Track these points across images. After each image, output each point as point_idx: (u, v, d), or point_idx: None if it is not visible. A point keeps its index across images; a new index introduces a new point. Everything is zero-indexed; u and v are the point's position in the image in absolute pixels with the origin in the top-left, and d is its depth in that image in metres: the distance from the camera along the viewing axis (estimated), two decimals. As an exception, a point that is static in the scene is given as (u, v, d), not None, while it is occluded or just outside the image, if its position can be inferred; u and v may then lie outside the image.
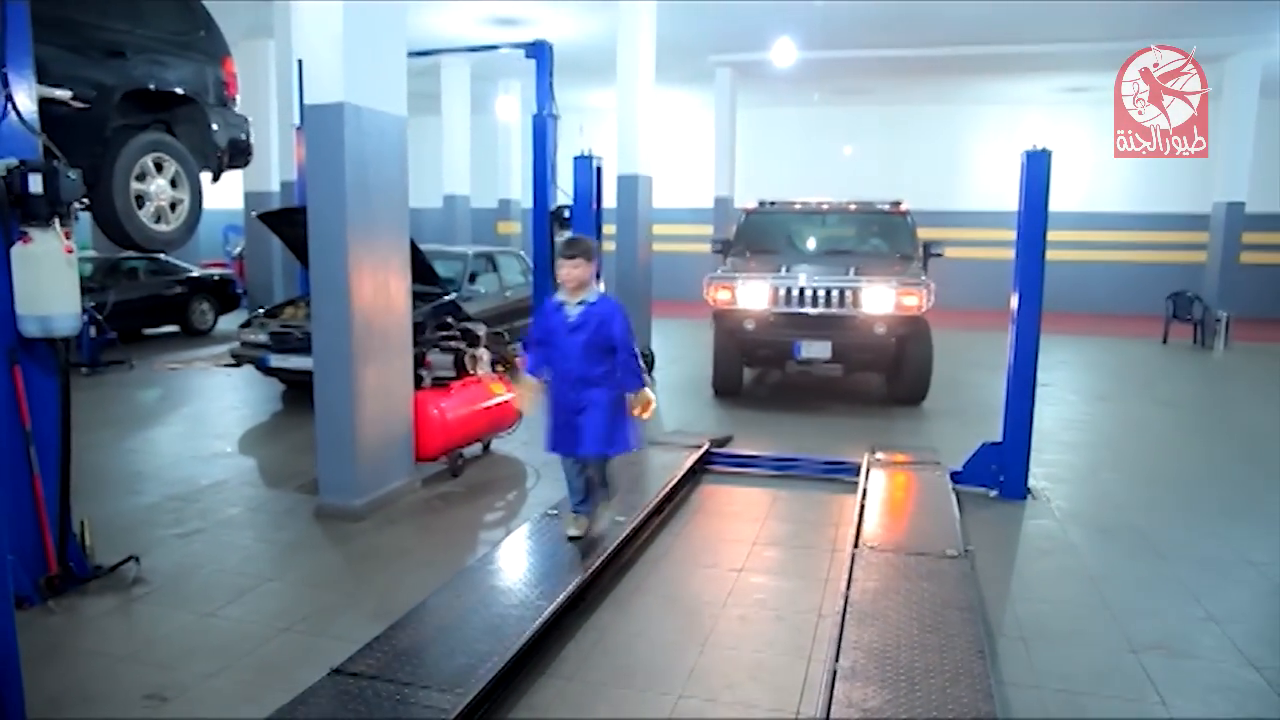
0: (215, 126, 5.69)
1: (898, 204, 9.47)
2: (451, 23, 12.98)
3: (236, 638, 3.61)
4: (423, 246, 7.50)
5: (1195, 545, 4.87)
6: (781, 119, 19.93)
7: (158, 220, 5.31)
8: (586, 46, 13.67)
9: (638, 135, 10.34)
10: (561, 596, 3.67)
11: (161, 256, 12.37)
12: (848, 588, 3.81)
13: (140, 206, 5.19)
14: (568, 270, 4.17)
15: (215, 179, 5.94)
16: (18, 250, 3.70)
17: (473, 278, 9.44)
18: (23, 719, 2.61)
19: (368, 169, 4.99)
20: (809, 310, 8.01)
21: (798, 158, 19.70)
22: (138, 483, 5.78)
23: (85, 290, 4.29)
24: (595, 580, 4.03)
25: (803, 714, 3.09)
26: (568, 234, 8.47)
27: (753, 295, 8.20)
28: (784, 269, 8.33)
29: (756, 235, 9.46)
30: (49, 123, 3.91)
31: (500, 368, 6.78)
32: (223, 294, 13.84)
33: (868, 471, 5.65)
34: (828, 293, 7.96)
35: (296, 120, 9.92)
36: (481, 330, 6.87)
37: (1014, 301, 5.45)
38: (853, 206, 9.61)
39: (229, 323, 12.98)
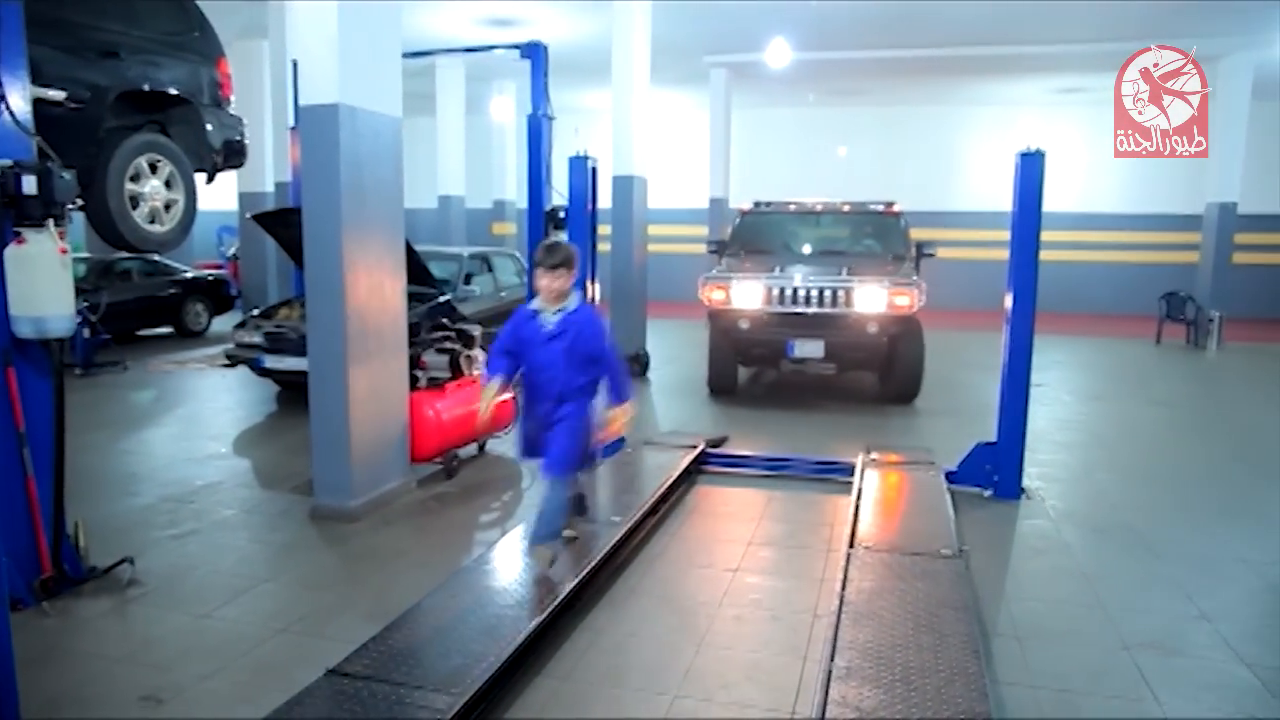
0: (210, 127, 5.68)
1: (891, 205, 9.58)
2: (446, 23, 12.98)
3: (232, 639, 3.60)
4: (418, 247, 7.49)
5: (1189, 544, 4.89)
6: (776, 120, 19.97)
7: (152, 221, 5.30)
8: (581, 47, 13.68)
9: (633, 136, 10.35)
10: (557, 597, 3.67)
11: (156, 257, 12.34)
12: (843, 588, 3.81)
13: (134, 207, 5.18)
14: (548, 281, 3.90)
15: (210, 180, 5.93)
16: (11, 251, 3.69)
17: (468, 279, 9.43)
18: (18, 721, 2.60)
19: (363, 170, 4.99)
20: (802, 310, 8.11)
21: (792, 158, 19.75)
22: (132, 484, 5.77)
23: (79, 291, 4.28)
24: (590, 581, 4.03)
25: (798, 714, 3.09)
26: (556, 237, 8.51)
27: (747, 295, 8.29)
28: (778, 269, 8.42)
29: (751, 236, 9.55)
30: (43, 123, 3.90)
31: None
32: (217, 295, 13.81)
33: (863, 471, 5.66)
34: (821, 292, 8.05)
35: (291, 121, 9.92)
36: (476, 331, 6.86)
37: (1008, 302, 5.47)
38: (846, 207, 9.74)
39: (223, 324, 12.98)
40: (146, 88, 5.20)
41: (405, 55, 5.56)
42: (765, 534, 4.97)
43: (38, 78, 3.97)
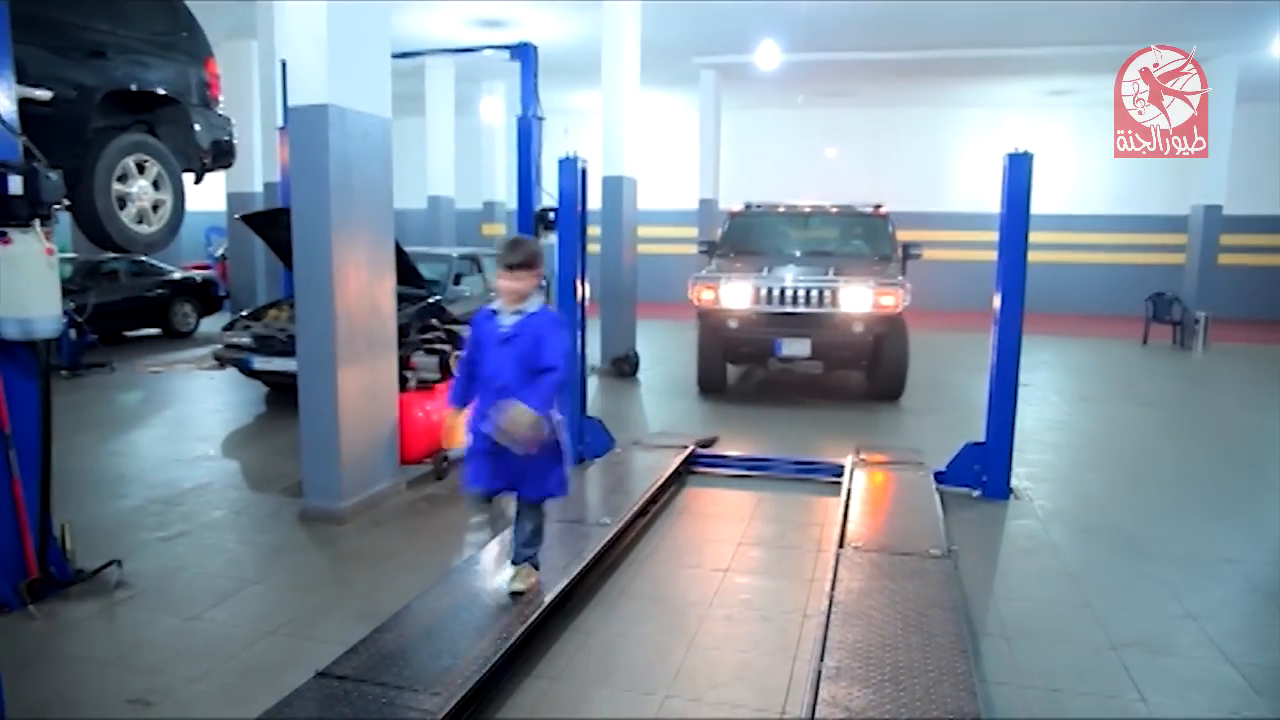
0: (198, 127, 5.65)
1: (878, 207, 9.79)
2: (436, 24, 12.95)
3: (221, 641, 3.59)
4: (407, 248, 7.48)
5: (1175, 544, 4.92)
6: (766, 121, 20.00)
7: (139, 222, 5.27)
8: (571, 48, 13.67)
9: (622, 137, 10.36)
10: (547, 598, 3.67)
11: (143, 258, 12.27)
12: (832, 588, 3.83)
13: (122, 208, 5.15)
14: (508, 282, 3.52)
15: (198, 180, 5.90)
16: (-2, 252, 3.67)
17: (457, 279, 9.42)
18: (4, 725, 2.58)
19: (352, 170, 4.97)
20: (790, 309, 8.25)
21: (782, 160, 19.78)
22: (120, 486, 5.74)
23: (65, 292, 4.25)
24: (581, 582, 4.03)
25: (788, 714, 3.10)
26: (551, 236, 8.50)
27: (735, 295, 8.42)
28: (766, 269, 8.56)
29: (741, 237, 9.73)
30: (29, 123, 3.88)
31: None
32: (205, 296, 13.75)
33: (852, 472, 5.67)
34: (808, 292, 8.20)
35: (279, 121, 9.87)
36: (467, 332, 6.84)
37: (996, 302, 5.50)
38: (834, 209, 9.95)
39: (211, 325, 12.90)
40: (134, 88, 5.17)
41: (395, 56, 5.55)
42: (755, 534, 4.98)
43: (24, 77, 3.94)
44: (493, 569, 4.10)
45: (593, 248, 6.85)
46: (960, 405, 8.58)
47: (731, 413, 8.46)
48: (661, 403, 8.97)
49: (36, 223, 3.74)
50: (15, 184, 3.63)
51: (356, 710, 2.81)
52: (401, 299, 5.96)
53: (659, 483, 5.44)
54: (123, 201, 5.15)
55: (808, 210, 9.97)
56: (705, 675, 3.37)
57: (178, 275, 13.44)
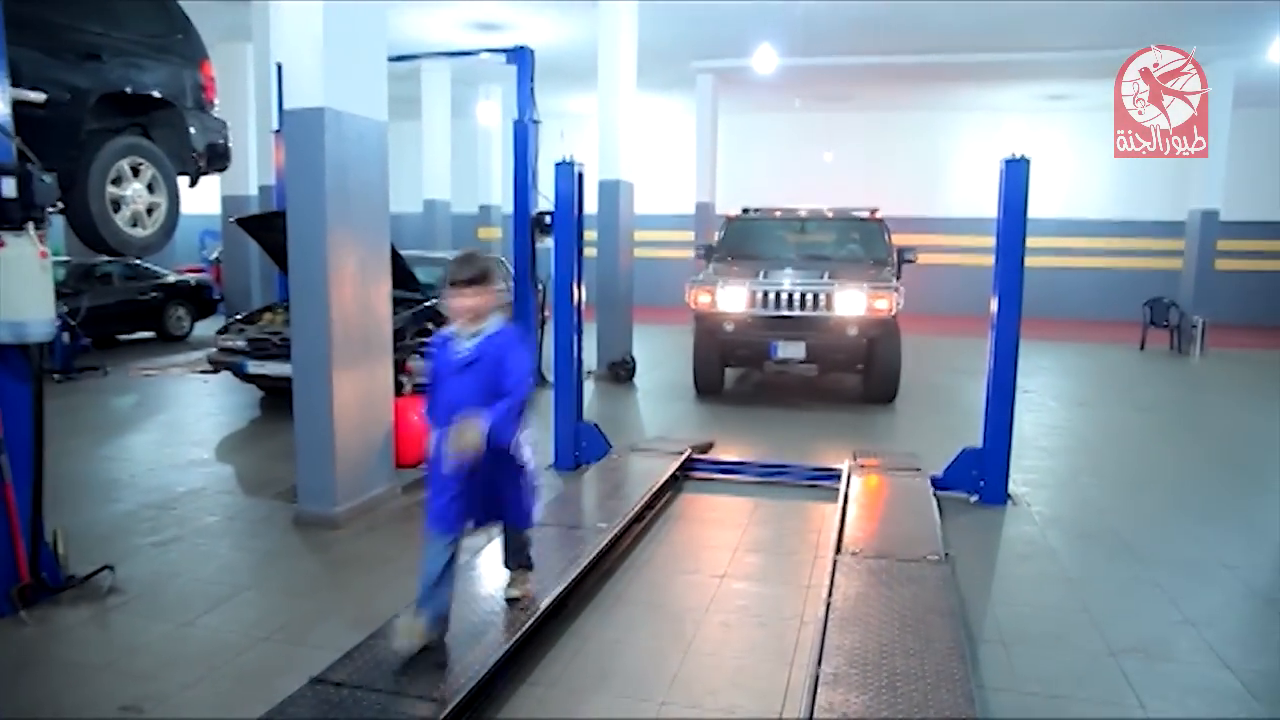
0: (193, 130, 5.63)
1: (874, 211, 9.90)
2: (432, 27, 12.95)
3: (214, 647, 3.56)
4: (403, 252, 7.46)
5: (1173, 549, 4.92)
6: (763, 125, 20.03)
7: (134, 225, 5.24)
8: (568, 52, 13.68)
9: (619, 141, 10.35)
10: (543, 604, 3.65)
11: (137, 261, 12.24)
12: (830, 593, 3.81)
13: (116, 211, 5.13)
14: (460, 301, 3.23)
15: (193, 183, 5.88)
16: (-10, 255, 3.65)
17: (453, 283, 9.38)
18: (-6, 732, 2.56)
19: (348, 174, 4.96)
20: (785, 312, 8.35)
21: (779, 164, 19.81)
22: (113, 491, 5.71)
23: (59, 295, 4.22)
24: (577, 587, 4.01)
25: (785, 720, 3.08)
26: (547, 240, 8.49)
27: (732, 298, 8.52)
28: (762, 273, 8.65)
29: (738, 241, 9.84)
30: (23, 125, 3.86)
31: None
32: (199, 299, 13.71)
33: (849, 477, 5.66)
34: (802, 296, 8.31)
35: (275, 124, 9.86)
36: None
37: (994, 307, 5.49)
38: (830, 214, 10.08)
39: (205, 328, 12.86)
40: (129, 90, 5.15)
41: (390, 59, 5.54)
42: (752, 540, 4.96)
43: (18, 79, 3.93)
44: (488, 574, 4.08)
45: (589, 252, 6.84)
46: (957, 410, 8.59)
47: (728, 415, 8.48)
48: (658, 407, 8.96)
49: (30, 226, 3.72)
50: (9, 186, 3.61)
51: (351, 716, 2.79)
52: (397, 303, 5.93)
53: (655, 488, 5.42)
54: (117, 204, 5.13)
55: (804, 215, 10.10)
56: (702, 681, 3.35)
57: (172, 278, 13.40)
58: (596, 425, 6.48)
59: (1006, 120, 19.04)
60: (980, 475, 5.62)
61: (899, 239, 9.93)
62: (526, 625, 3.46)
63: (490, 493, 3.36)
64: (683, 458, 6.09)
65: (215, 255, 17.10)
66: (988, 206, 5.82)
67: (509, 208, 10.31)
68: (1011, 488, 5.71)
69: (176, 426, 7.93)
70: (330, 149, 4.81)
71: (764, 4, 11.78)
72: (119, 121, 5.21)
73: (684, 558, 4.74)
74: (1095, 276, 19.21)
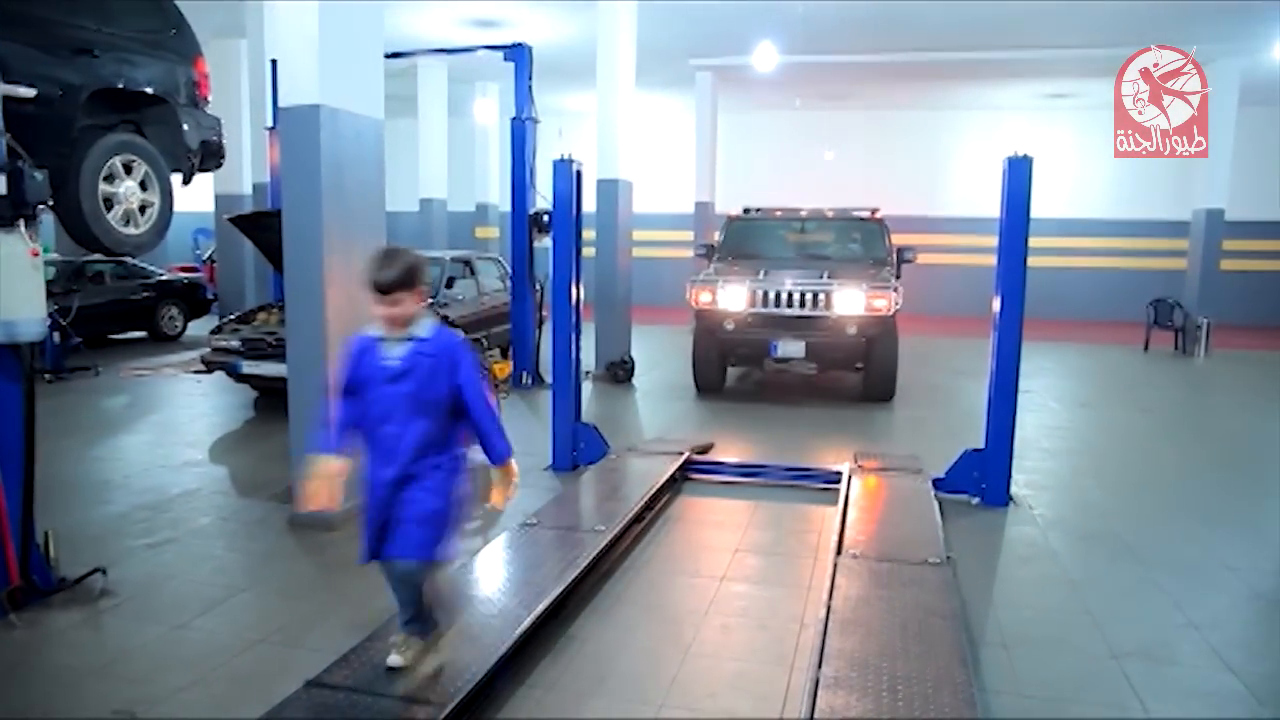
0: (186, 127, 5.57)
1: (874, 211, 9.99)
2: (429, 24, 12.90)
3: (209, 650, 3.52)
4: (399, 251, 7.41)
5: (1176, 551, 4.89)
6: (763, 123, 20.01)
7: (126, 223, 5.18)
8: (566, 49, 13.64)
9: (618, 139, 10.32)
10: (541, 606, 3.62)
11: (129, 260, 12.16)
12: (830, 596, 3.79)
13: (108, 209, 5.07)
14: (386, 310, 2.82)
15: (186, 181, 5.83)
16: (-20, 253, 3.60)
17: (450, 283, 9.37)
18: (-19, 739, 2.52)
19: (343, 172, 4.92)
20: (785, 311, 8.47)
21: (779, 162, 19.77)
22: (105, 492, 5.67)
23: (49, 294, 4.18)
24: (575, 589, 3.98)
25: (786, 724, 3.05)
26: (545, 239, 8.45)
27: (732, 297, 8.64)
28: (763, 272, 8.76)
29: (739, 240, 9.98)
30: (14, 121, 3.81)
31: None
32: (192, 299, 13.66)
33: (850, 479, 5.63)
34: (802, 295, 8.43)
35: (269, 121, 9.82)
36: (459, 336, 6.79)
37: (996, 308, 5.47)
38: (830, 214, 10.17)
39: (199, 328, 12.82)
40: (121, 86, 5.09)
41: (387, 56, 5.51)
42: (752, 542, 4.93)
43: (7, 74, 3.88)
44: (485, 576, 4.05)
45: (587, 251, 6.81)
46: (959, 411, 8.60)
47: (728, 413, 8.53)
48: (657, 408, 8.94)
49: (21, 223, 3.69)
50: (-1, 183, 3.57)
51: (348, 719, 2.76)
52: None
53: (654, 489, 5.39)
54: (109, 202, 5.07)
55: (804, 215, 10.21)
56: (701, 684, 3.33)
57: (164, 277, 13.36)
58: (595, 426, 6.45)
59: (1008, 119, 19.01)
60: (982, 477, 5.59)
61: (899, 238, 10.04)
62: (524, 627, 3.43)
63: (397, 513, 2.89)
64: (682, 459, 6.05)
65: (209, 254, 17.06)
66: (989, 206, 5.79)
67: (506, 206, 10.29)
68: (1013, 489, 5.69)
69: (169, 427, 7.88)
70: (326, 147, 4.77)
71: (764, 2, 11.76)
72: (111, 118, 5.15)
73: (683, 560, 4.71)
74: (1098, 277, 19.18)
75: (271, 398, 8.21)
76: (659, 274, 17.34)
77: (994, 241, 5.48)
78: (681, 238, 17.03)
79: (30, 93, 4.01)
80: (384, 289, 2.79)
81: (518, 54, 9.56)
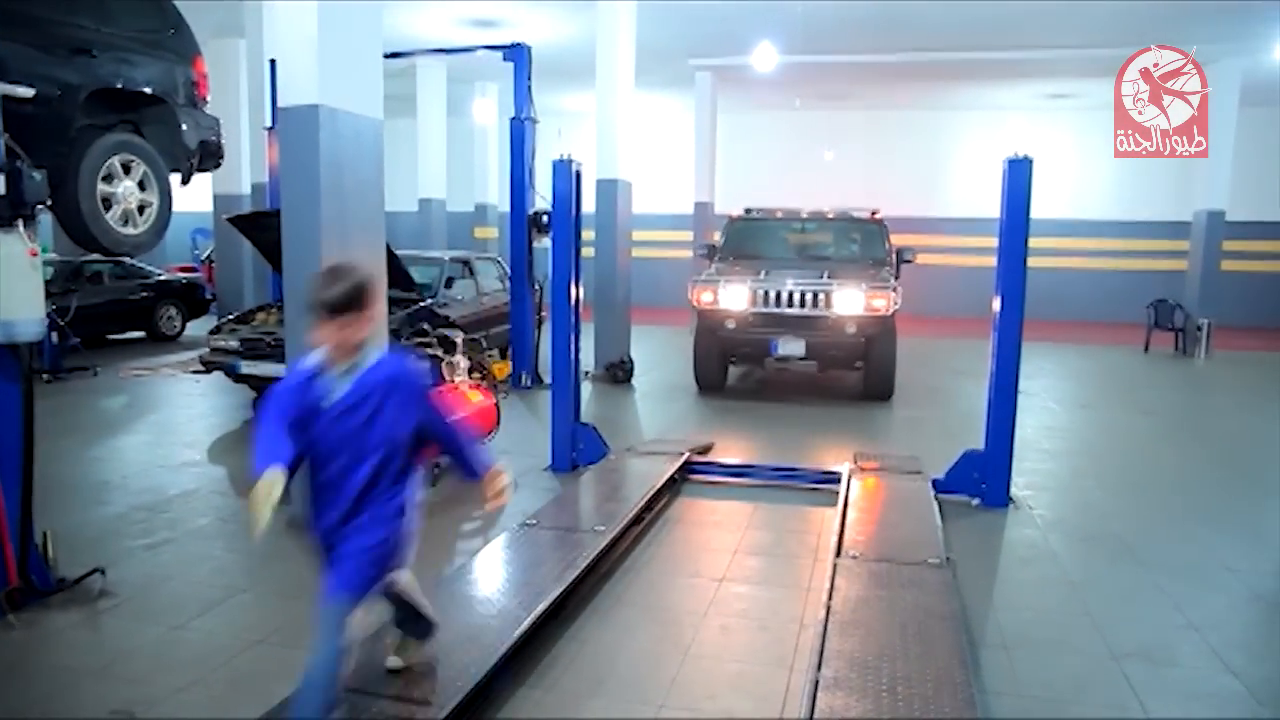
0: (185, 127, 5.56)
1: (874, 212, 10.07)
2: (428, 24, 12.89)
3: (207, 651, 3.52)
4: (398, 251, 7.42)
5: (1176, 553, 4.88)
6: (762, 124, 19.98)
7: (125, 223, 5.17)
8: (565, 49, 13.63)
9: (617, 139, 10.31)
10: (541, 607, 3.61)
11: (127, 260, 12.15)
12: (830, 597, 3.78)
13: (107, 209, 5.06)
14: (334, 333, 2.51)
15: (185, 181, 5.82)
16: (-21, 253, 3.59)
17: (449, 283, 9.36)
18: (-21, 740, 2.51)
19: (343, 172, 4.90)
20: (785, 311, 8.57)
21: (779, 163, 19.75)
22: (103, 493, 5.65)
23: (48, 294, 4.17)
24: (575, 590, 3.98)
25: (786, 725, 3.05)
26: (545, 239, 8.45)
27: (734, 297, 8.74)
28: (764, 272, 8.86)
29: (740, 241, 10.07)
30: (12, 121, 3.80)
31: (477, 375, 6.71)
32: (191, 299, 13.65)
33: (849, 479, 5.62)
34: (802, 294, 8.53)
35: (268, 121, 9.80)
36: (458, 337, 6.80)
37: (996, 308, 5.46)
38: (830, 215, 10.26)
39: (197, 328, 12.80)
40: (120, 86, 5.08)
41: (386, 56, 5.49)
42: (751, 543, 4.93)
43: (6, 74, 3.88)
44: (485, 576, 4.04)
45: (587, 251, 6.80)
46: (958, 411, 8.60)
47: (730, 411, 8.59)
48: (656, 409, 8.94)
49: (19, 223, 3.68)
50: (-3, 183, 3.56)
51: (346, 722, 2.75)
52: (393, 303, 5.90)
53: (653, 490, 5.38)
54: (108, 202, 5.06)
55: (805, 216, 10.31)
56: (701, 685, 3.32)
57: (163, 277, 13.34)
58: (594, 427, 6.44)
59: (1008, 119, 18.98)
60: (982, 478, 5.59)
61: (899, 239, 10.13)
62: (524, 628, 3.42)
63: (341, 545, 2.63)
64: (681, 460, 6.05)
65: (207, 254, 17.03)
66: (989, 206, 5.79)
67: (505, 207, 10.27)
68: (1013, 491, 5.68)
69: (168, 427, 7.87)
70: (325, 147, 4.75)
71: (763, 2, 11.75)
72: (110, 118, 5.14)
73: (683, 560, 4.70)
74: (1099, 278, 19.14)
75: (270, 398, 8.21)
76: (658, 275, 17.31)
77: (994, 242, 5.48)
78: (681, 238, 17.02)
79: (29, 92, 4.00)
80: (331, 309, 2.48)
81: (517, 54, 9.55)
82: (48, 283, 4.90)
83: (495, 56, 9.91)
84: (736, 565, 4.57)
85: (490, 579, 4.03)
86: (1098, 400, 10.22)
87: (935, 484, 5.61)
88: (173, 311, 13.23)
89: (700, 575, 4.44)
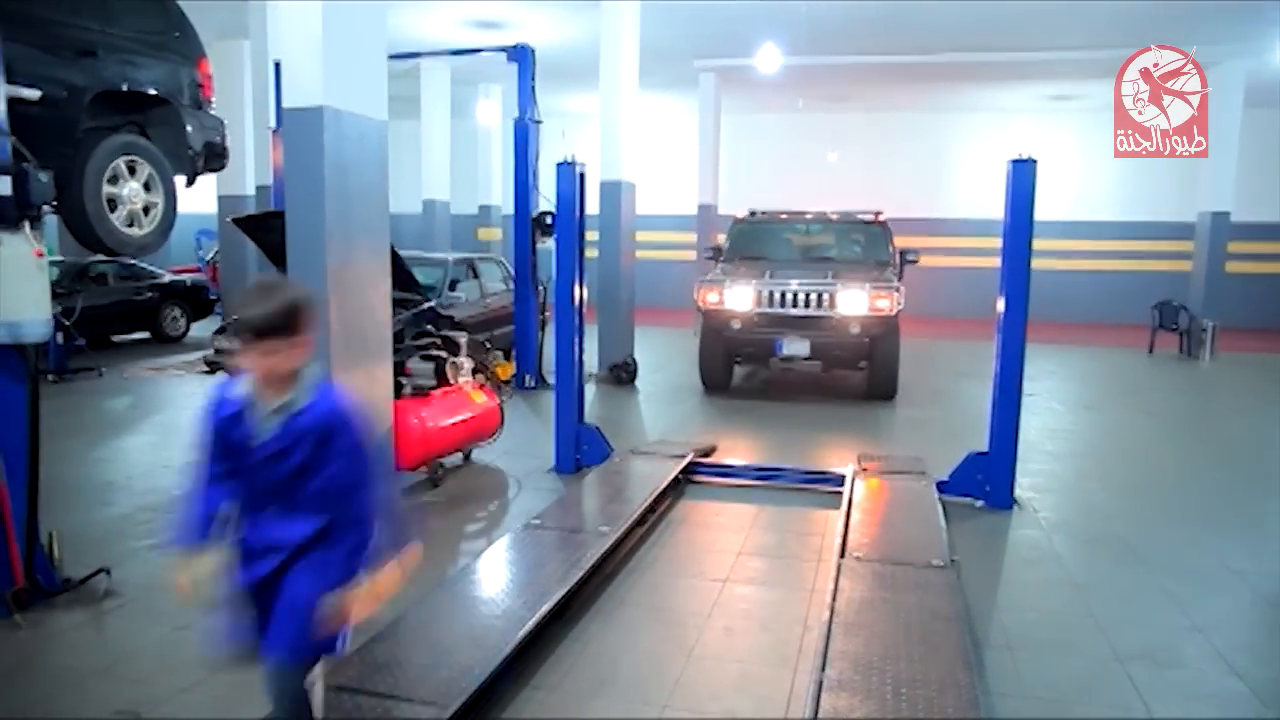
0: (190, 129, 5.58)
1: (877, 214, 10.15)
2: (432, 25, 12.91)
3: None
4: (402, 253, 7.41)
5: (1180, 554, 4.88)
6: (766, 125, 19.97)
7: (130, 224, 5.19)
8: (569, 50, 13.64)
9: (621, 141, 10.31)
10: (544, 608, 3.61)
11: (132, 261, 12.19)
12: (833, 598, 3.78)
13: (112, 210, 5.08)
14: (257, 362, 2.19)
15: (190, 183, 5.83)
16: (-15, 254, 3.61)
17: (453, 285, 9.38)
18: (-15, 740, 2.52)
19: (347, 174, 4.91)
20: (790, 311, 8.66)
21: (782, 164, 19.73)
22: (108, 493, 5.67)
23: (53, 295, 4.19)
24: (579, 591, 3.98)
25: (790, 726, 3.05)
26: (548, 241, 8.45)
27: (739, 297, 8.83)
28: (769, 273, 8.94)
29: (745, 242, 10.15)
30: (18, 123, 3.81)
31: (481, 376, 6.72)
32: (195, 300, 13.67)
33: (853, 481, 5.62)
34: (807, 295, 8.63)
35: (272, 123, 9.81)
36: (462, 338, 6.80)
37: (1000, 310, 5.45)
38: (834, 216, 10.35)
39: (202, 329, 12.82)
40: (125, 88, 5.10)
41: (390, 57, 5.50)
42: (755, 544, 4.92)
43: (12, 76, 3.88)
44: (489, 576, 4.05)
45: (590, 253, 6.80)
46: (962, 412, 8.61)
47: (735, 411, 8.65)
48: (660, 410, 8.94)
49: (25, 224, 3.69)
50: (4, 185, 3.59)
51: (350, 722, 2.75)
52: (396, 304, 5.89)
53: (657, 492, 5.37)
54: (113, 204, 5.08)
55: (809, 217, 10.41)
56: (705, 686, 3.32)
57: (167, 279, 13.36)
58: (598, 428, 6.45)
59: (1011, 121, 18.95)
60: (986, 479, 5.58)
61: (902, 240, 10.20)
62: (528, 629, 3.42)
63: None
64: (685, 461, 6.05)
65: (211, 255, 17.02)
66: (992, 208, 5.79)
67: (509, 208, 10.29)
68: (1017, 492, 5.67)
69: (172, 428, 7.88)
70: (329, 148, 4.76)
71: (767, 3, 11.74)
72: (115, 119, 5.16)
73: (686, 562, 4.70)
74: (1103, 279, 19.07)
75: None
76: (662, 276, 17.32)
77: (998, 244, 5.47)
78: (684, 240, 17.02)
79: (35, 94, 4.02)
80: (255, 331, 2.12)
81: (520, 55, 9.56)
82: (53, 284, 4.92)
83: (499, 58, 9.92)
84: (740, 566, 4.57)
85: (494, 579, 4.04)
86: (1102, 402, 10.20)
87: (939, 485, 5.61)
88: (177, 312, 13.25)
89: (704, 576, 4.44)
